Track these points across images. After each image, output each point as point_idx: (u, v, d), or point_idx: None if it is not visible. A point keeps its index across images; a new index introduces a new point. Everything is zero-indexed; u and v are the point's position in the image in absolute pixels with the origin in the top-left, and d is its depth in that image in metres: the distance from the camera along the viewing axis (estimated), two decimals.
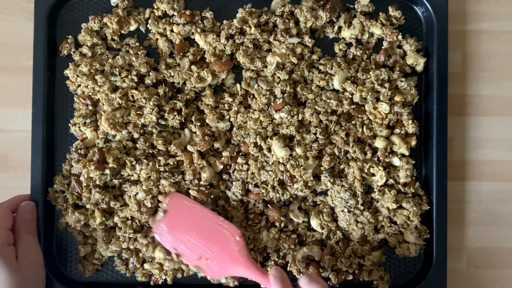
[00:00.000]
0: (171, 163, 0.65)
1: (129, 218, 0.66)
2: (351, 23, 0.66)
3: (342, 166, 0.66)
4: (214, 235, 0.62)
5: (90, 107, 0.66)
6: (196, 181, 0.65)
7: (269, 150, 0.65)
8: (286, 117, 0.65)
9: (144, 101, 0.64)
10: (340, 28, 0.67)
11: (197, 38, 0.66)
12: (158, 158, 0.65)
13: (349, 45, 0.67)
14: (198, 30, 0.66)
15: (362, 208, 0.65)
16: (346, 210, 0.65)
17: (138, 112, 0.65)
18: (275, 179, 0.65)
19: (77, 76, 0.66)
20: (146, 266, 0.66)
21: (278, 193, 0.65)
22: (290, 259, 0.66)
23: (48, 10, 0.66)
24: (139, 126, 0.65)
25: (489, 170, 0.69)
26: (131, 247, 0.66)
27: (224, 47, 0.66)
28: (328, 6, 0.66)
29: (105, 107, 0.65)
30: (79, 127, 0.65)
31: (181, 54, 0.66)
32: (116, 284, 0.67)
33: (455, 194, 0.69)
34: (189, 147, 0.65)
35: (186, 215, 0.63)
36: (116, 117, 0.64)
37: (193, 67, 0.66)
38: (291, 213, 0.66)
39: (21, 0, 0.69)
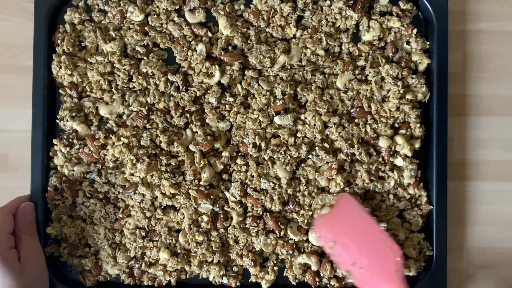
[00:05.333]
0: (173, 164, 0.65)
1: (137, 227, 0.66)
2: (369, 27, 0.66)
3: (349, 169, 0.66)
4: (375, 247, 0.61)
5: (76, 100, 0.66)
6: (196, 181, 0.65)
7: (272, 163, 0.65)
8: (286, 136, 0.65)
9: (151, 72, 0.65)
10: (354, 34, 0.67)
11: (222, 23, 0.66)
12: (160, 157, 0.65)
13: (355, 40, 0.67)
14: (222, 12, 0.66)
15: None
16: None
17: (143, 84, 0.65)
18: (274, 191, 0.65)
19: (60, 66, 0.65)
20: (150, 270, 0.66)
21: (276, 206, 0.65)
22: (288, 265, 0.66)
23: (48, 10, 0.66)
24: (143, 116, 0.65)
25: (489, 170, 0.69)
26: (138, 253, 0.66)
27: (242, 41, 0.65)
28: (358, 7, 0.65)
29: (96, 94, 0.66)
30: (67, 121, 0.65)
31: (197, 37, 0.66)
32: (119, 284, 0.67)
33: (455, 194, 0.69)
34: (191, 147, 0.65)
35: (352, 218, 0.63)
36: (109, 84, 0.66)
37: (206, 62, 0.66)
38: (289, 229, 0.66)
39: (21, 0, 0.69)
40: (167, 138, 0.65)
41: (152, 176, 0.65)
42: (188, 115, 0.66)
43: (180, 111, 0.65)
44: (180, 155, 0.65)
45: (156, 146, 0.65)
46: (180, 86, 0.66)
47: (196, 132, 0.65)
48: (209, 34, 0.66)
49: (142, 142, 0.65)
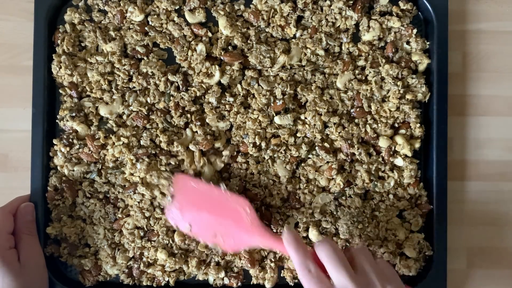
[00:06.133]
0: (173, 163, 0.65)
1: (136, 227, 0.66)
2: (369, 27, 0.66)
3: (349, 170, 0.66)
4: (224, 210, 0.63)
5: (76, 100, 0.66)
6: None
7: (273, 161, 0.65)
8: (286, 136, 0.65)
9: (151, 72, 0.65)
10: (354, 34, 0.67)
11: (222, 23, 0.65)
12: (160, 157, 0.65)
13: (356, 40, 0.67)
14: (222, 12, 0.66)
15: (367, 224, 0.65)
16: (349, 222, 0.65)
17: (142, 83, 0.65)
18: (273, 187, 0.65)
19: (60, 66, 0.65)
20: (149, 270, 0.66)
21: (276, 202, 0.65)
22: (285, 264, 0.66)
23: (48, 10, 0.66)
24: (143, 116, 0.65)
25: (489, 170, 0.69)
26: (137, 254, 0.66)
27: (242, 41, 0.65)
28: (358, 7, 0.65)
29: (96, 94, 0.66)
30: (67, 121, 0.65)
31: (198, 36, 0.66)
32: (118, 284, 0.67)
33: (455, 194, 0.69)
34: (191, 146, 0.65)
35: (194, 195, 0.64)
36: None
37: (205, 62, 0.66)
38: (286, 225, 0.66)
39: (21, 0, 0.69)
40: (167, 138, 0.65)
41: (151, 176, 0.65)
42: (188, 115, 0.66)
43: (180, 111, 0.65)
44: (180, 155, 0.65)
45: (156, 146, 0.65)
46: (180, 86, 0.66)
47: (196, 132, 0.65)
48: (209, 34, 0.66)
49: (142, 142, 0.65)
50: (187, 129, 0.66)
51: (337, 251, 0.53)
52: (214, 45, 0.66)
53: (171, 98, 0.65)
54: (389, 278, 0.54)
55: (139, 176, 0.65)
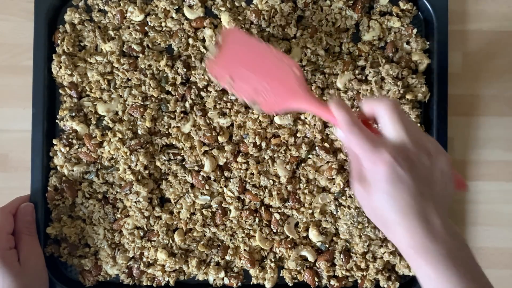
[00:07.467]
0: (167, 142, 0.65)
1: (135, 227, 0.66)
2: (369, 27, 0.66)
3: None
4: (272, 68, 0.60)
5: (75, 100, 0.66)
6: (196, 167, 0.65)
7: (273, 161, 0.65)
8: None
9: (148, 64, 0.65)
10: (354, 34, 0.67)
11: (224, 18, 0.65)
12: (156, 141, 0.65)
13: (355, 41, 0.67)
14: (223, 9, 0.66)
15: (367, 224, 0.65)
16: (349, 222, 0.65)
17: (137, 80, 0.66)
18: (273, 187, 0.65)
19: (60, 66, 0.65)
20: (149, 270, 0.66)
21: (275, 202, 0.65)
22: (285, 262, 0.66)
23: (48, 10, 0.66)
24: (139, 105, 0.65)
25: (489, 170, 0.69)
26: (137, 254, 0.66)
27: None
28: (358, 7, 0.65)
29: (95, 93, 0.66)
30: (67, 120, 0.65)
31: (203, 26, 0.66)
32: (118, 284, 0.67)
33: (455, 194, 0.69)
34: (192, 133, 0.65)
35: (242, 49, 0.61)
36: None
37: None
38: (286, 225, 0.66)
39: (21, 0, 0.69)
40: (155, 112, 0.65)
41: (147, 166, 0.65)
42: (187, 104, 0.65)
43: (179, 97, 0.65)
44: (176, 136, 0.65)
45: (151, 134, 0.65)
46: (180, 71, 0.65)
47: (198, 123, 0.65)
48: (214, 22, 0.66)
49: (139, 132, 0.65)
50: (188, 114, 0.66)
51: (399, 108, 0.50)
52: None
53: (170, 79, 0.65)
54: (437, 149, 0.50)
55: (133, 172, 0.65)
